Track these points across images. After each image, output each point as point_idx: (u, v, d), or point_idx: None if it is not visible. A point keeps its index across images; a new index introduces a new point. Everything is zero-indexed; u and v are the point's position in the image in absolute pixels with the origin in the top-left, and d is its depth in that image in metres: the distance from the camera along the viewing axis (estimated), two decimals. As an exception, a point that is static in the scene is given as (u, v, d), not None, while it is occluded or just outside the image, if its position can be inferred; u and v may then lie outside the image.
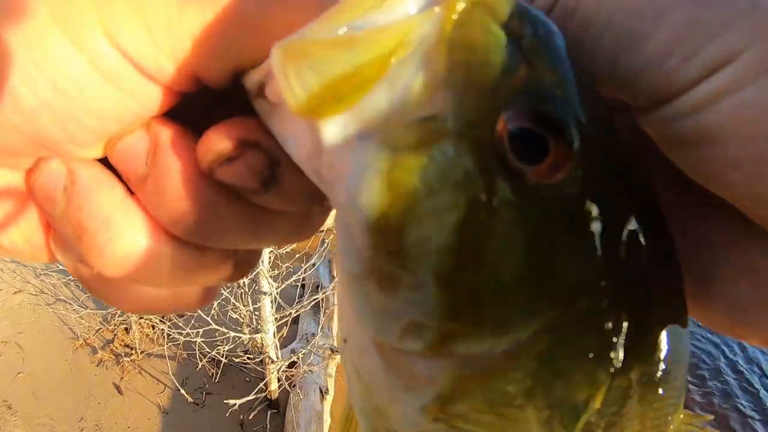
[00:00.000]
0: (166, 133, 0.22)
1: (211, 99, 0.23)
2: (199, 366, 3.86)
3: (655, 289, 0.20)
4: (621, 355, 0.19)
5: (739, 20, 0.17)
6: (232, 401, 3.38)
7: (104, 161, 0.23)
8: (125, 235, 0.22)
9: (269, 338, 3.65)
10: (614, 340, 0.18)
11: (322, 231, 4.53)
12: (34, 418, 3.57)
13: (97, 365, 4.06)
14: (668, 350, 0.20)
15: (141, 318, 4.27)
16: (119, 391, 3.86)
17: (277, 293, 3.63)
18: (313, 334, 3.95)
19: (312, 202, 0.24)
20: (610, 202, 0.19)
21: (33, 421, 3.55)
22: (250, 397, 3.46)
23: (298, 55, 0.18)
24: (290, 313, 3.79)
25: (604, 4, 0.19)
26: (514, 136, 0.17)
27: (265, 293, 3.55)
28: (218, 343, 3.74)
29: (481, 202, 0.17)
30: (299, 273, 3.91)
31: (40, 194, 0.23)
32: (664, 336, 0.20)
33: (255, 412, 3.62)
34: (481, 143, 0.17)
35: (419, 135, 0.18)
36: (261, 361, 3.75)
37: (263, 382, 3.66)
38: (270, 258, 3.62)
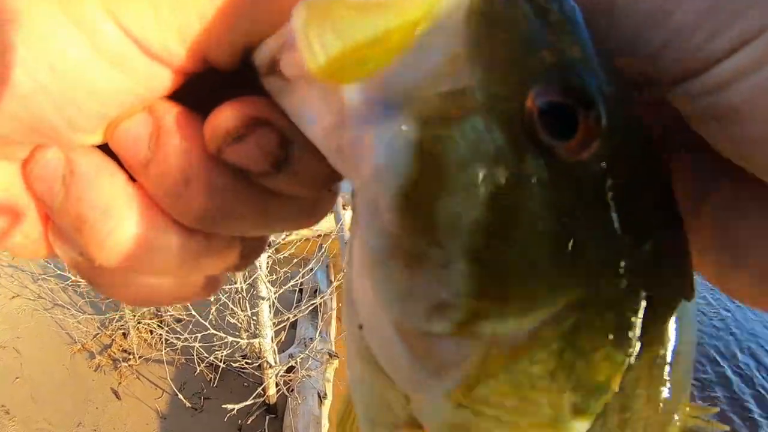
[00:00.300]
0: (170, 115, 0.21)
1: (217, 81, 0.21)
2: (197, 371, 3.87)
3: (669, 269, 0.20)
4: (638, 336, 0.19)
5: None
6: (230, 406, 3.39)
7: (104, 148, 0.22)
8: (127, 225, 0.21)
9: (267, 343, 3.65)
10: (632, 320, 0.19)
11: (320, 236, 4.54)
12: (32, 422, 3.56)
13: (95, 370, 4.06)
14: (678, 332, 0.20)
15: (139, 323, 4.27)
16: (117, 396, 3.86)
17: (275, 298, 3.64)
18: (311, 338, 3.96)
19: (323, 186, 0.23)
20: (633, 181, 0.19)
21: (31, 426, 3.54)
22: (249, 402, 3.46)
23: (322, 15, 0.17)
24: (288, 317, 3.80)
25: None
26: (543, 110, 0.17)
27: (263, 298, 3.56)
28: (216, 348, 3.75)
29: (511, 177, 0.17)
30: (297, 278, 3.93)
31: (38, 185, 0.21)
32: (675, 317, 0.20)
33: (253, 417, 3.62)
34: (511, 118, 0.17)
35: (449, 107, 0.17)
36: (259, 365, 3.76)
37: (261, 387, 3.66)
38: (268, 263, 3.63)
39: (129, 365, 4.08)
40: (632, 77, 0.20)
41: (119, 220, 0.21)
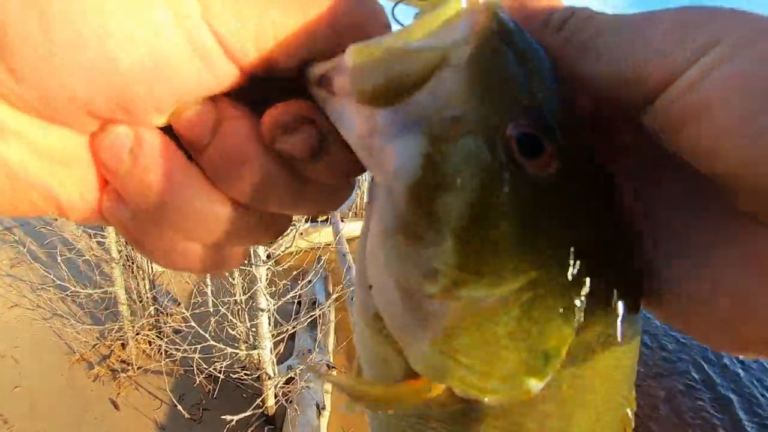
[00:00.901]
0: (232, 108, 0.25)
1: (269, 86, 0.26)
2: (197, 382, 3.87)
3: (614, 265, 0.25)
4: (582, 316, 0.24)
5: (719, 16, 0.21)
6: (229, 417, 3.38)
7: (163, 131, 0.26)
8: (188, 193, 0.25)
9: (266, 354, 3.67)
10: (578, 303, 0.24)
11: (319, 248, 4.58)
12: (29, 431, 3.56)
13: (94, 380, 4.06)
14: (623, 324, 0.25)
15: (138, 334, 4.28)
16: (116, 407, 3.86)
17: (274, 310, 3.67)
18: (310, 350, 3.99)
19: (346, 176, 0.29)
20: (585, 192, 0.25)
21: (29, 436, 3.55)
22: (248, 413, 3.47)
23: (369, 56, 0.23)
24: (287, 329, 3.82)
25: (614, 18, 0.24)
26: (519, 137, 0.23)
27: (262, 310, 3.59)
28: (215, 359, 3.75)
29: (491, 183, 0.23)
30: (296, 290, 3.96)
31: (107, 154, 0.25)
32: (620, 310, 0.25)
33: (252, 428, 3.63)
34: (494, 140, 0.23)
35: (449, 129, 0.23)
36: (258, 377, 3.77)
37: (260, 399, 3.67)
38: (267, 275, 3.66)
39: (128, 376, 4.08)
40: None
41: (182, 188, 0.25)
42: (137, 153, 0.25)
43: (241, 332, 3.83)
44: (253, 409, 3.53)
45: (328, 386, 3.88)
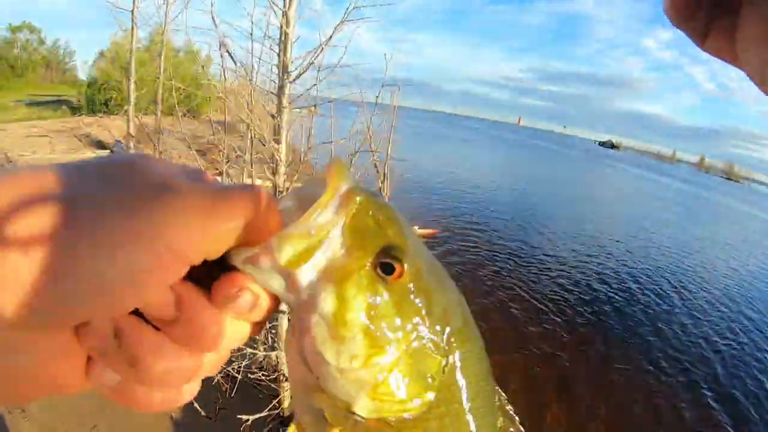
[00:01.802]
0: (185, 288, 0.33)
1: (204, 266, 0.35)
2: (214, 380, 3.88)
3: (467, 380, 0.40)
4: None
5: None
6: (245, 417, 3.40)
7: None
8: (168, 358, 0.33)
9: (284, 356, 3.68)
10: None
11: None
12: (47, 424, 3.58)
13: (112, 375, 4.08)
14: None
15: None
16: (133, 402, 3.87)
17: (294, 312, 3.67)
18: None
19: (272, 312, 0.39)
20: (429, 299, 0.39)
21: (47, 427, 3.56)
22: (264, 414, 3.48)
23: (286, 240, 0.35)
24: (306, 332, 3.81)
25: None
26: (381, 263, 0.36)
27: (282, 312, 3.61)
28: (233, 359, 3.77)
29: (373, 296, 0.36)
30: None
31: (95, 341, 0.32)
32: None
33: (268, 429, 3.62)
34: (370, 267, 0.36)
35: (343, 272, 0.36)
36: (275, 378, 3.77)
37: (276, 399, 3.67)
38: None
39: (146, 372, 4.10)
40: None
41: (160, 356, 0.33)
42: (120, 339, 0.32)
43: (260, 333, 3.84)
44: (269, 410, 3.53)
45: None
